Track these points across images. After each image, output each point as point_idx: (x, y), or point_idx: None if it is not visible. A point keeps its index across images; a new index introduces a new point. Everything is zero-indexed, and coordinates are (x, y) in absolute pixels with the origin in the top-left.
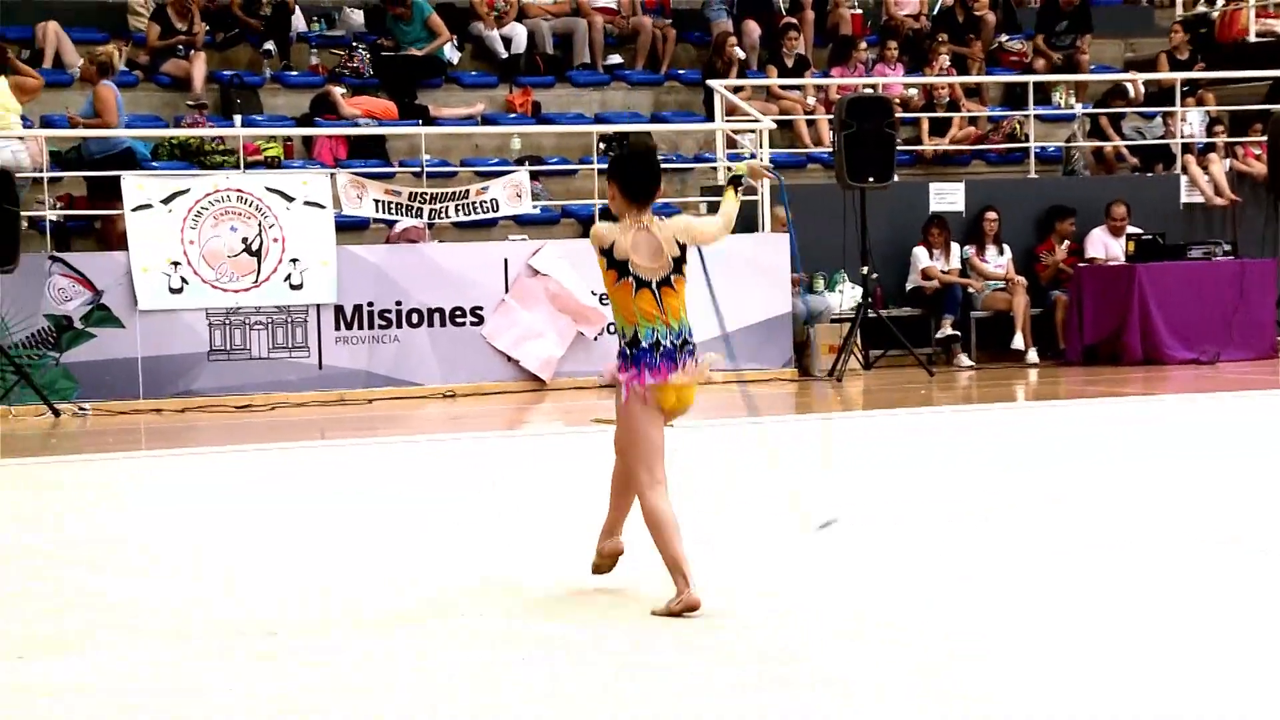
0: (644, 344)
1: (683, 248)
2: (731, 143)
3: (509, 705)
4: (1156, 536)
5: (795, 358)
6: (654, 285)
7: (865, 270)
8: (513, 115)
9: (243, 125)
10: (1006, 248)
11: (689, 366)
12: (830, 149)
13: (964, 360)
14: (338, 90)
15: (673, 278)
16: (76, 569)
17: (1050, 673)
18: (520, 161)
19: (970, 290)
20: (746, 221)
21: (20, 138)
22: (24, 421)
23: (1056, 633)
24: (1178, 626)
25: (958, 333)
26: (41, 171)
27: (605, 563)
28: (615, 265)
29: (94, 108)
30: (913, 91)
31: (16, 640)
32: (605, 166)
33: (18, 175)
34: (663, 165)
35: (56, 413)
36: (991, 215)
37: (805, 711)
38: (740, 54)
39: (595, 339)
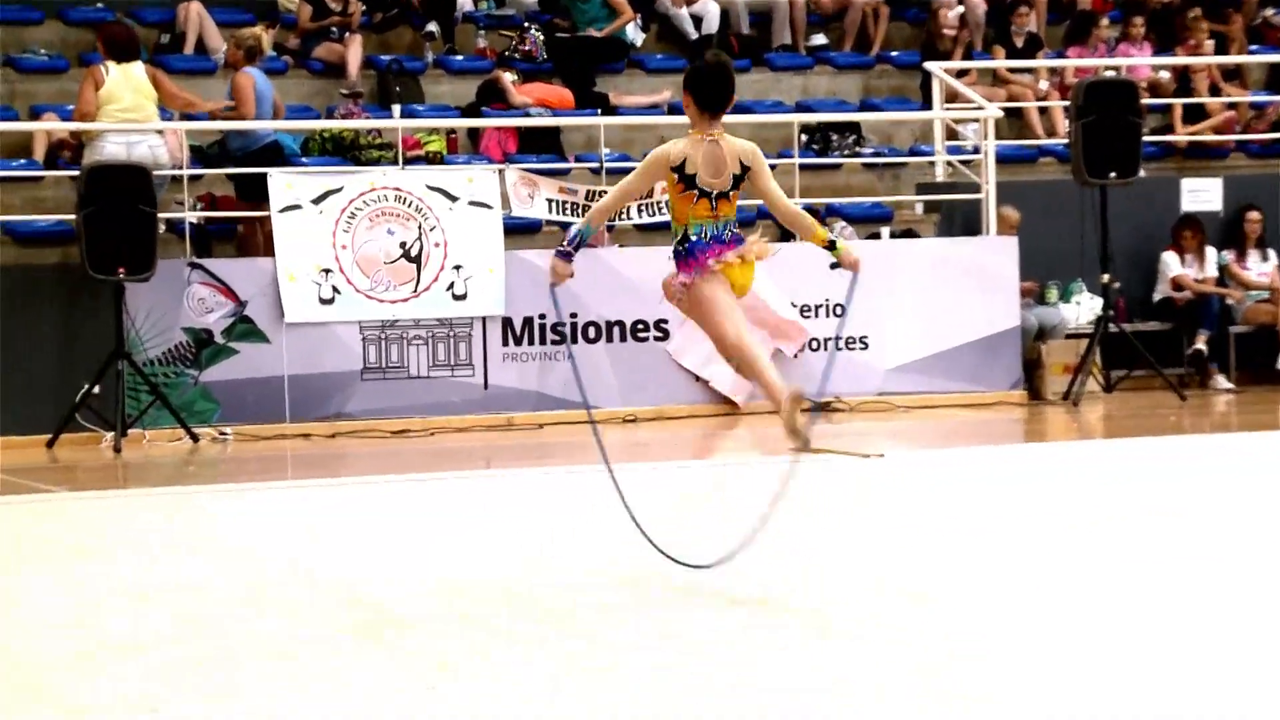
0: (693, 238)
1: (745, 168)
2: (951, 133)
3: None
4: None
5: (1024, 379)
6: (713, 196)
7: (1106, 279)
8: None
9: (402, 116)
10: (1271, 253)
11: (743, 246)
12: (1066, 140)
13: (1221, 382)
14: (507, 76)
15: (730, 192)
16: (240, 608)
17: None
18: None
19: (1229, 302)
20: (967, 223)
21: (159, 131)
22: (159, 447)
23: None
24: None
25: (1208, 350)
26: (181, 169)
27: (797, 411)
28: (684, 179)
29: (232, 97)
30: (1162, 74)
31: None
32: (684, 78)
33: (155, 173)
34: (874, 159)
35: (195, 437)
36: (1254, 215)
37: None
38: (962, 33)
39: (795, 356)
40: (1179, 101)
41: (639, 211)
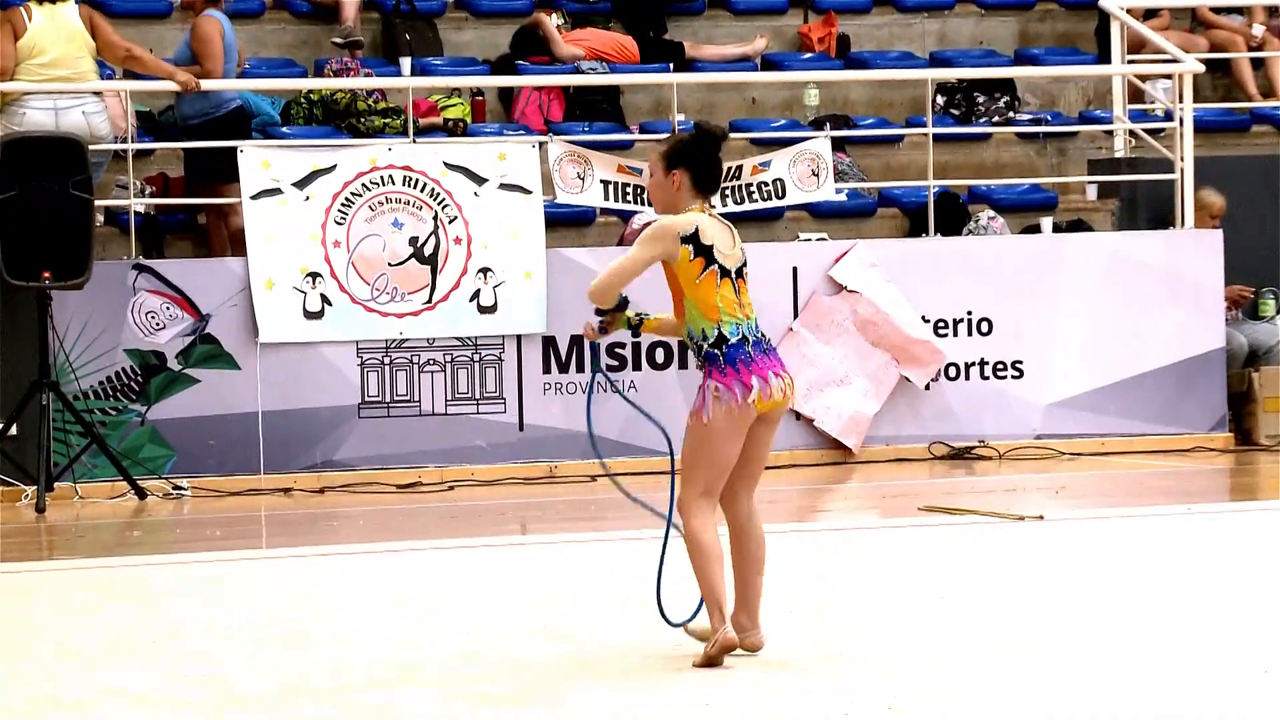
0: (732, 340)
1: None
2: (1136, 94)
3: None
4: None
5: (1231, 417)
6: (734, 275)
7: None
8: (808, 56)
9: (413, 73)
10: None
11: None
12: None
13: None
14: (551, 21)
15: (745, 269)
16: None
17: None
18: (819, 124)
19: None
20: (1156, 211)
21: (97, 93)
22: (95, 506)
23: None
24: None
25: None
26: (125, 141)
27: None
28: (703, 252)
29: (191, 49)
30: None
31: None
32: (670, 149)
33: (92, 148)
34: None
35: (141, 493)
36: None
37: None
38: None
39: (927, 387)
40: None
41: (723, 198)
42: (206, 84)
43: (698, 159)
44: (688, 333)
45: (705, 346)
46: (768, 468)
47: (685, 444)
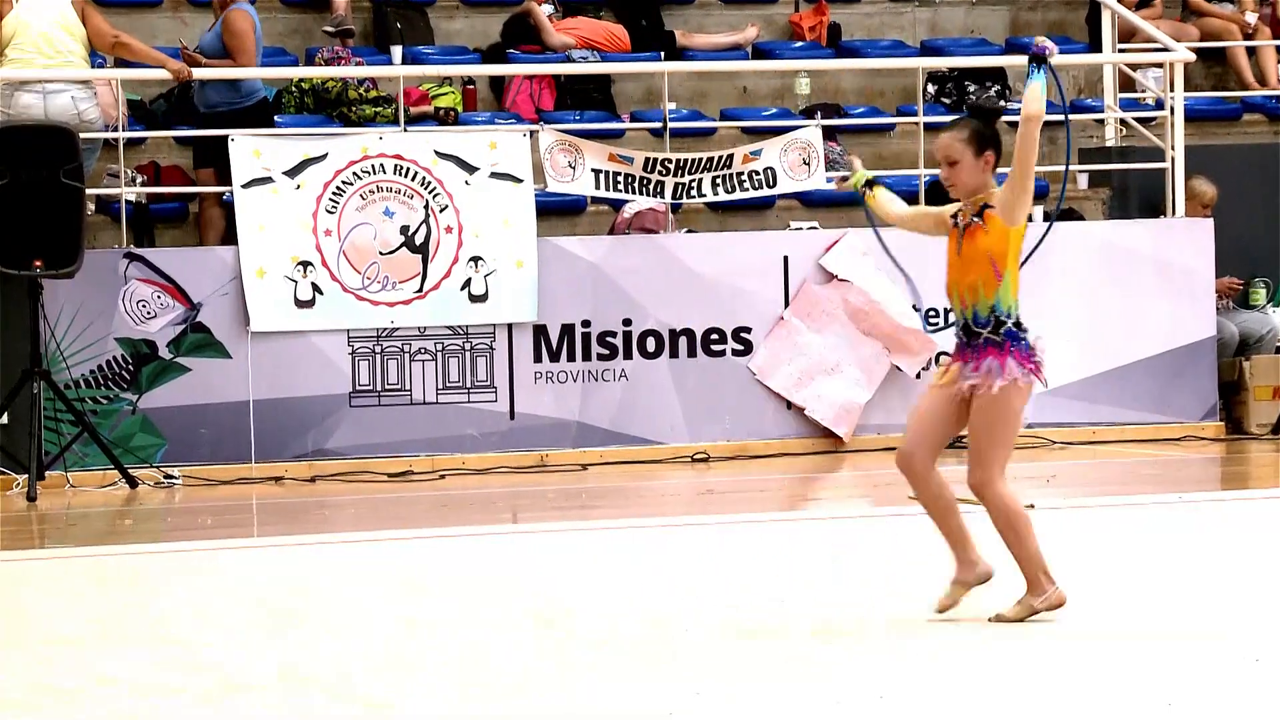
0: (1024, 324)
1: None
2: (1127, 83)
3: None
4: None
5: (1221, 406)
6: None
7: None
8: (799, 45)
9: (404, 61)
10: None
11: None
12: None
13: None
14: (542, 9)
15: None
16: None
17: None
18: (809, 113)
19: None
20: (1147, 200)
21: (85, 82)
22: (87, 495)
23: None
24: None
25: None
26: (116, 130)
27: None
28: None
29: (222, 41)
30: None
31: None
32: (975, 134)
33: (83, 136)
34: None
35: (133, 482)
36: None
37: None
38: None
39: (918, 376)
40: None
41: (714, 187)
42: (199, 73)
43: (997, 139)
44: (991, 307)
45: (1008, 324)
46: (757, 456)
47: (987, 422)
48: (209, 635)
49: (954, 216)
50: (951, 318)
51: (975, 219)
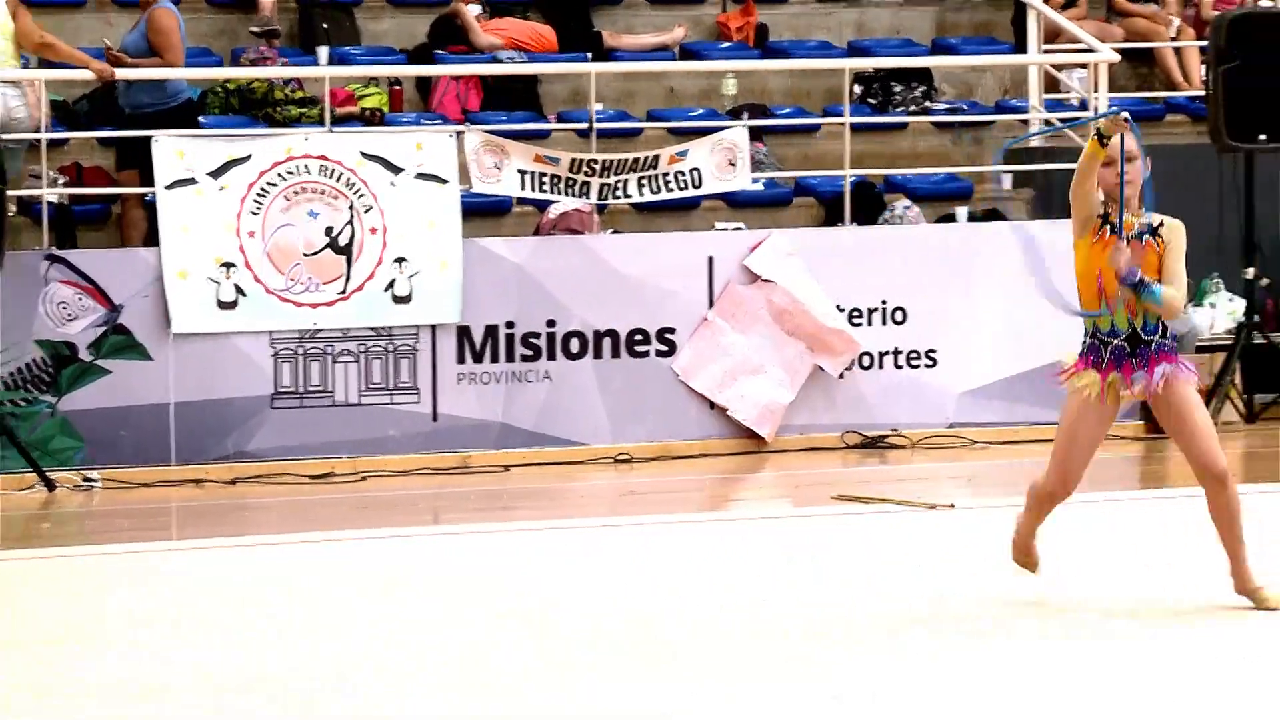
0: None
1: None
2: (1052, 84)
3: None
4: None
5: (1140, 405)
6: None
7: (1250, 274)
8: (726, 45)
9: (329, 62)
10: None
11: None
12: (1202, 92)
13: None
14: (470, 9)
15: None
16: None
17: None
18: (736, 114)
19: None
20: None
21: (14, 82)
22: (4, 498)
23: None
24: None
25: None
26: (39, 131)
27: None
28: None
29: (147, 40)
30: None
31: None
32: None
33: (4, 136)
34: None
35: (51, 485)
36: None
37: None
38: None
39: (841, 376)
40: None
41: (640, 187)
42: (121, 73)
43: None
44: (1158, 315)
45: (1170, 329)
46: (679, 457)
47: (1201, 415)
48: (150, 638)
49: (1103, 218)
50: (1081, 327)
51: (1148, 235)
